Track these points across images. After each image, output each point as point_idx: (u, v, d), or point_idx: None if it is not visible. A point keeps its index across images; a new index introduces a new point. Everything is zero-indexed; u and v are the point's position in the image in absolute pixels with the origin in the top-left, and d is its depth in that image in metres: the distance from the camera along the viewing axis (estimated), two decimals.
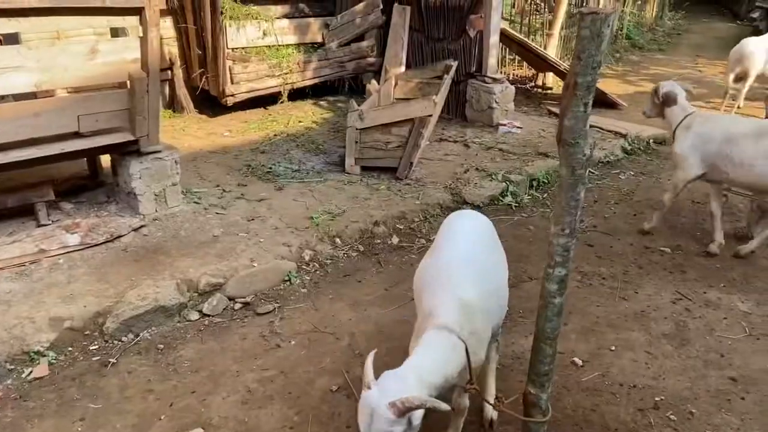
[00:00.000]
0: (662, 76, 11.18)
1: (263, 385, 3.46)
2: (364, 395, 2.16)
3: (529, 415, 2.79)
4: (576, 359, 3.71)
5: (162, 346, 3.78)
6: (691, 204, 5.93)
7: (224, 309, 4.16)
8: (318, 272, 4.67)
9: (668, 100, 5.15)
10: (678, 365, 3.66)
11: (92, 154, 5.12)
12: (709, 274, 4.66)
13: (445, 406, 2.22)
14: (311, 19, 7.99)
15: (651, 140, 7.57)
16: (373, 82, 7.11)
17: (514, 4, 10.95)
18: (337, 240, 4.98)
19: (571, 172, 2.43)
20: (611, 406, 3.33)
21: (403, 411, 2.08)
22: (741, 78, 8.77)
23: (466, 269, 2.69)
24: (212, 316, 4.09)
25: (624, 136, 7.57)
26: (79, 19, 4.31)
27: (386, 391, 2.12)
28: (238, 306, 4.20)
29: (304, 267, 4.68)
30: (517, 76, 10.44)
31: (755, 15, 14.47)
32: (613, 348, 3.81)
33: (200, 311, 4.10)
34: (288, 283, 4.49)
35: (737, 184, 4.95)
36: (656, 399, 3.37)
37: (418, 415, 2.15)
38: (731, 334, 3.95)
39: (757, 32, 14.01)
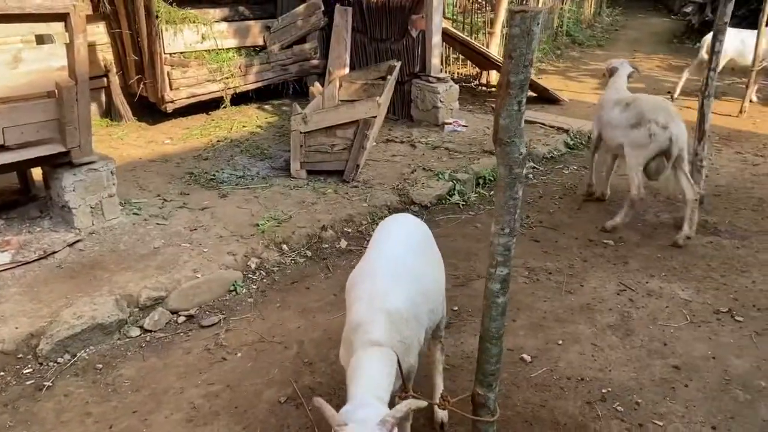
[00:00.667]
0: (601, 72, 11.48)
1: (209, 400, 3.35)
2: None
3: (478, 415, 2.78)
4: (525, 355, 3.73)
5: (101, 365, 3.61)
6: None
7: (167, 323, 4.02)
8: (265, 280, 4.57)
9: (611, 73, 5.79)
10: (623, 356, 3.72)
11: (21, 167, 4.87)
12: (651, 264, 4.78)
13: (423, 402, 2.30)
14: (251, 22, 7.85)
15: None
16: (317, 84, 7.03)
17: (456, 3, 11.03)
18: (284, 246, 4.89)
19: (508, 171, 2.42)
20: (560, 401, 3.36)
21: (394, 424, 2.08)
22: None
23: (391, 277, 2.65)
24: (154, 331, 3.94)
25: (566, 131, 7.72)
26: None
27: (364, 421, 2.08)
28: (181, 319, 4.06)
29: (251, 276, 4.57)
30: (461, 74, 10.54)
31: (688, 9, 15.00)
32: (561, 342, 3.85)
33: (141, 327, 3.95)
34: (234, 293, 4.38)
35: (609, 147, 5.60)
36: (603, 391, 3.42)
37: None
38: (673, 322, 4.04)
39: (690, 26, 14.58)
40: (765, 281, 4.48)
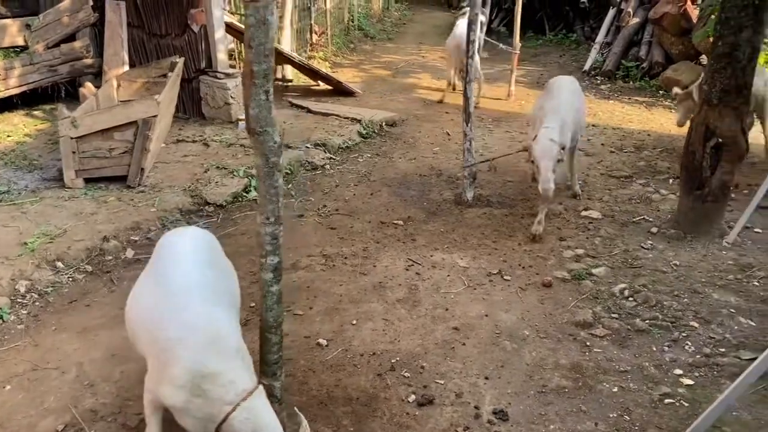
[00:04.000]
0: (393, 63, 12.10)
1: None
2: None
3: None
4: (321, 340, 3.82)
5: None
6: (419, 177, 6.49)
7: None
8: (37, 303, 4.14)
9: None
10: (411, 326, 3.98)
11: None
12: (435, 239, 5.16)
13: None
14: (8, 21, 7.00)
15: (383, 123, 8.11)
16: (88, 84, 6.49)
17: None
18: (59, 264, 4.47)
19: (265, 160, 2.45)
20: (353, 378, 3.50)
21: None
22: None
23: (216, 308, 2.51)
24: None
25: (359, 121, 8.00)
26: None
27: None
28: None
29: (20, 300, 4.12)
30: None
31: (464, 3, 16.34)
32: (355, 322, 4.01)
33: None
34: (0, 321, 3.90)
35: None
36: (392, 361, 3.63)
37: None
38: (453, 288, 4.42)
39: None
40: (527, 242, 5.07)
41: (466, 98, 5.59)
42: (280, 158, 2.46)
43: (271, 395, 2.76)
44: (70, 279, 4.41)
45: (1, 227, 4.82)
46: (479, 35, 8.71)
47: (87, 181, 5.62)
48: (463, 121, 5.67)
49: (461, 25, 9.10)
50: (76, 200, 5.34)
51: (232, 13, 10.55)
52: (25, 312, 4.03)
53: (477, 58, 8.88)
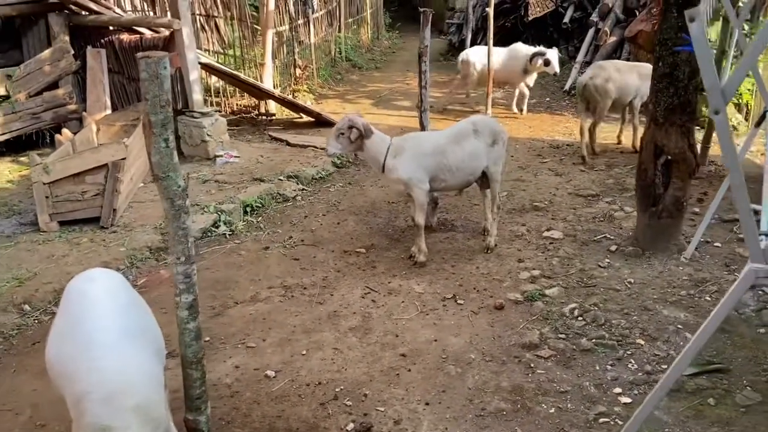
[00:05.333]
0: (378, 92, 12.32)
1: None
2: None
3: None
4: (269, 372, 3.90)
5: None
6: (387, 204, 6.61)
7: None
8: (1, 346, 4.27)
9: (367, 132, 4.97)
10: (359, 354, 4.06)
11: None
12: (395, 266, 5.25)
13: None
14: None
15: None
16: (65, 131, 6.72)
17: (223, 38, 11.17)
18: (26, 306, 4.62)
19: (171, 204, 2.58)
20: (296, 408, 3.58)
21: None
22: None
23: (122, 355, 2.44)
24: None
25: None
26: None
27: None
28: None
29: None
30: (241, 106, 10.65)
31: (452, 30, 16.63)
32: (305, 352, 4.09)
33: None
34: None
35: (452, 187, 5.48)
36: (336, 390, 3.70)
37: None
38: (406, 315, 4.49)
39: (452, 45, 16.17)
40: (486, 266, 5.14)
41: (422, 125, 5.74)
42: (185, 201, 2.59)
43: (196, 430, 2.86)
44: (36, 321, 4.55)
45: None
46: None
47: (62, 223, 5.80)
48: None
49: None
50: (50, 243, 5.52)
51: (218, 53, 10.90)
52: None
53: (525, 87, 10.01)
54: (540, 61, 9.39)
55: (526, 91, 10.22)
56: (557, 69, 9.63)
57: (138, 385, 2.37)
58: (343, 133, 5.02)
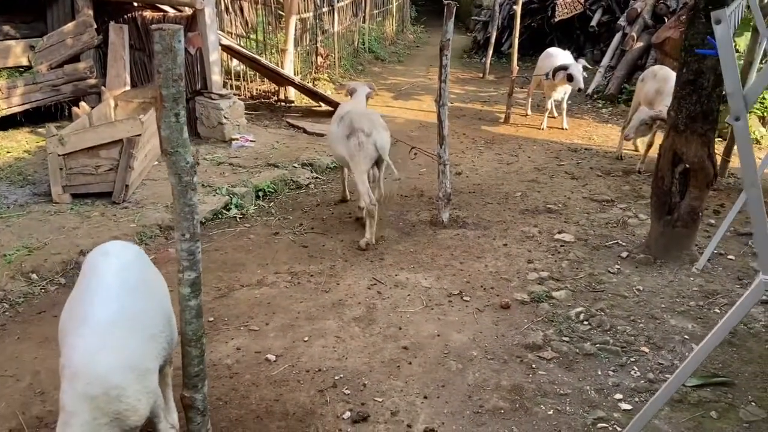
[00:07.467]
0: (398, 86, 12.28)
1: None
2: None
3: (189, 417, 2.89)
4: (269, 355, 3.90)
5: None
6: (399, 198, 6.57)
7: None
8: (7, 313, 4.31)
9: (351, 94, 6.35)
10: (361, 344, 4.04)
11: None
12: (403, 259, 5.22)
13: None
14: (12, 42, 7.34)
15: None
16: (82, 104, 6.76)
17: (247, 22, 11.17)
18: (33, 275, 4.65)
19: (178, 179, 2.57)
20: (294, 393, 3.57)
21: None
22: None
23: (103, 340, 2.37)
24: None
25: None
26: None
27: None
28: None
29: None
30: (261, 91, 10.66)
31: (478, 26, 16.52)
32: (307, 339, 4.08)
33: None
34: None
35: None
36: (336, 378, 3.69)
37: None
38: (411, 308, 4.46)
39: (477, 42, 16.06)
40: (495, 264, 5.10)
41: (440, 121, 5.68)
42: (193, 178, 2.58)
43: (192, 407, 2.86)
44: (42, 290, 4.58)
45: None
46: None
47: (74, 196, 5.83)
48: (438, 144, 5.75)
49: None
50: (61, 215, 5.55)
51: (241, 36, 10.90)
52: None
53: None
54: (562, 75, 8.36)
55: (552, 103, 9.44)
56: (581, 85, 8.40)
57: (102, 374, 2.28)
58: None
